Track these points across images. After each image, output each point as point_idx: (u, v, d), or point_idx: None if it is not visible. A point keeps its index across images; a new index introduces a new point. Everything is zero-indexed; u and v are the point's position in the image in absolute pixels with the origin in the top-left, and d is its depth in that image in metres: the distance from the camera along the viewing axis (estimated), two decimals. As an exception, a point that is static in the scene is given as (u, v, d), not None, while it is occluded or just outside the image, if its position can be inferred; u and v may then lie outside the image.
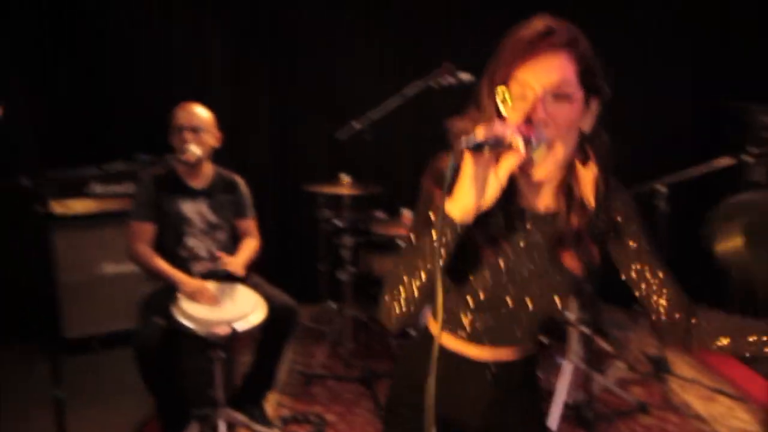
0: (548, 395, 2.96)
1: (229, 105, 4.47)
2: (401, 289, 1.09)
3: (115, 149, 4.12)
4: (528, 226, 1.18)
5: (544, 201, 1.18)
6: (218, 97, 4.43)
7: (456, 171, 0.95)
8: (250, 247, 2.80)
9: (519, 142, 0.96)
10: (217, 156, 4.18)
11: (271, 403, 3.00)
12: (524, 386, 1.30)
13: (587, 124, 1.11)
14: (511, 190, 1.13)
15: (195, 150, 2.57)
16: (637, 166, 4.29)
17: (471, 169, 0.97)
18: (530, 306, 1.19)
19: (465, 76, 3.39)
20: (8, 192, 2.46)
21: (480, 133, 0.94)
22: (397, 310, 1.11)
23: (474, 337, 1.23)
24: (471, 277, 1.17)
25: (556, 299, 1.19)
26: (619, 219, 1.17)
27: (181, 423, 2.56)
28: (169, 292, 2.52)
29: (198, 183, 2.71)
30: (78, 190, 3.81)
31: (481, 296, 1.18)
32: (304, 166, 4.45)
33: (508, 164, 0.99)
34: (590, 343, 3.63)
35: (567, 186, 1.14)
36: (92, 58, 4.27)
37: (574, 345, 3.04)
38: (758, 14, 4.12)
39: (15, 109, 4.03)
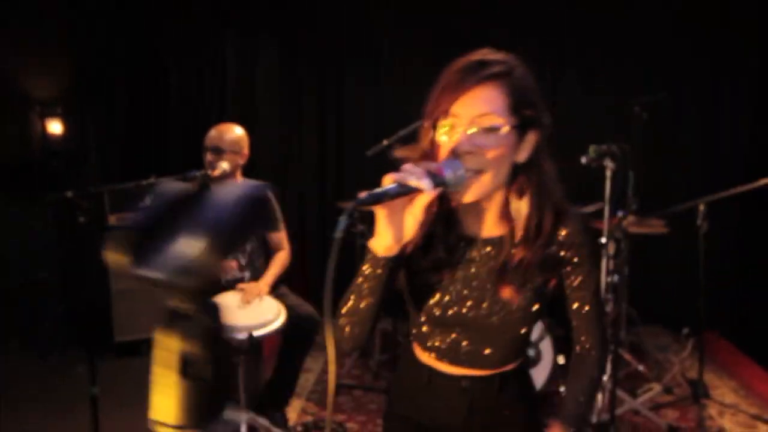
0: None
1: (278, 124, 4.69)
2: (349, 312, 1.14)
3: (170, 167, 4.40)
4: (473, 253, 1.20)
5: (489, 229, 1.20)
6: (267, 118, 4.68)
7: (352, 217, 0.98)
8: (278, 262, 2.91)
9: (424, 184, 0.98)
10: (263, 172, 4.44)
11: (296, 409, 3.11)
12: (506, 400, 1.28)
13: (522, 156, 1.11)
14: (453, 220, 1.19)
15: (223, 165, 2.72)
16: (688, 184, 4.23)
17: (381, 213, 1.02)
18: (489, 327, 1.20)
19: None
20: (69, 204, 2.67)
21: (386, 182, 0.99)
22: (347, 332, 1.15)
23: (440, 355, 1.25)
24: (426, 300, 1.21)
25: (520, 329, 1.20)
26: (562, 253, 1.18)
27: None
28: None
29: (228, 197, 2.86)
30: (134, 204, 4.07)
31: (437, 317, 1.21)
32: (344, 183, 4.60)
33: (420, 204, 1.01)
34: (623, 364, 3.54)
35: (506, 215, 1.16)
36: (152, 80, 4.59)
37: (601, 364, 2.97)
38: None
39: (78, 125, 4.43)
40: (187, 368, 0.61)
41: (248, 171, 3.51)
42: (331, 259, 0.91)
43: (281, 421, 2.86)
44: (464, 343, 1.23)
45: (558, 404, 1.35)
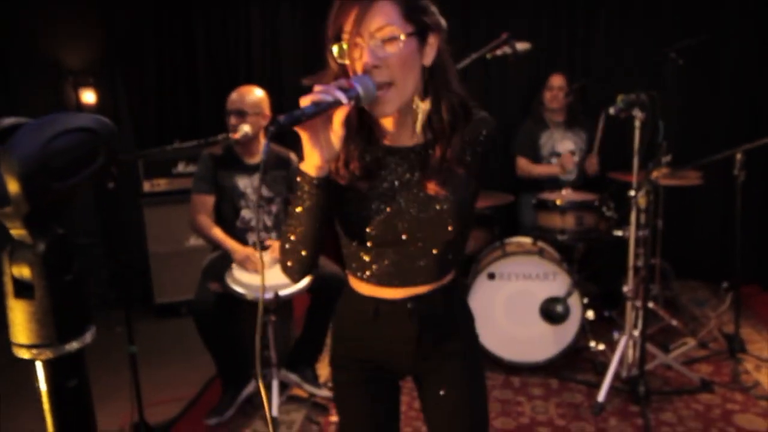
0: (605, 368, 2.91)
1: (302, 89, 4.68)
2: (289, 243, 1.21)
3: (201, 130, 4.45)
4: (397, 162, 1.24)
5: (409, 137, 1.24)
6: (290, 80, 4.67)
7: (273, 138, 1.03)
8: None
9: (339, 98, 1.05)
10: (290, 133, 4.45)
11: (326, 365, 3.18)
12: (448, 313, 1.34)
13: (428, 60, 1.17)
14: (373, 133, 1.24)
15: (245, 128, 2.74)
16: (726, 133, 4.06)
17: (303, 134, 1.08)
18: (423, 236, 1.23)
19: (522, 46, 3.30)
20: (105, 171, 2.74)
21: (303, 103, 1.04)
22: (290, 263, 1.23)
23: (382, 279, 1.28)
24: (360, 221, 1.24)
25: (448, 226, 1.22)
26: (479, 149, 1.23)
27: (241, 382, 2.80)
28: (225, 260, 2.74)
29: (252, 159, 2.90)
30: (166, 170, 4.16)
31: (374, 237, 1.24)
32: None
33: (338, 119, 1.08)
34: (656, 319, 3.49)
35: (426, 118, 1.21)
36: (180, 45, 4.62)
37: (630, 319, 2.94)
38: None
39: (111, 94, 4.52)
40: (20, 292, 0.67)
41: (278, 135, 3.54)
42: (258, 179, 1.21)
43: (312, 377, 2.94)
44: (402, 259, 1.26)
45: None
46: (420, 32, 1.14)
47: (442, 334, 1.33)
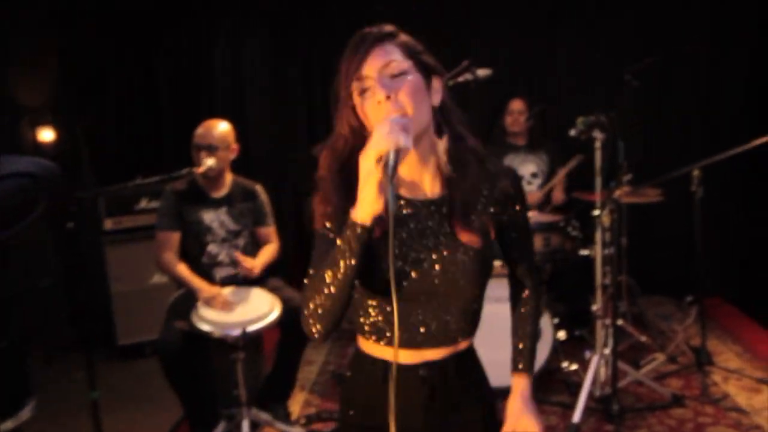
0: (578, 388, 2.92)
1: (268, 121, 4.67)
2: (321, 308, 1.12)
3: (164, 166, 4.38)
4: (414, 214, 1.20)
5: (429, 188, 1.22)
6: (257, 114, 4.66)
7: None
8: (269, 251, 2.91)
9: (408, 143, 1.04)
10: (258, 168, 4.42)
11: (299, 402, 3.12)
12: (462, 383, 1.27)
13: (436, 99, 1.19)
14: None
15: (209, 162, 2.70)
16: (683, 150, 4.18)
17: (376, 177, 1.03)
18: (442, 296, 1.19)
19: (483, 72, 3.35)
20: (66, 209, 2.65)
21: (390, 147, 1.02)
22: (320, 327, 1.14)
23: (393, 341, 1.15)
24: (372, 280, 1.17)
25: (467, 284, 1.19)
26: (503, 201, 1.24)
27: (210, 423, 2.71)
28: (190, 297, 2.67)
29: (218, 193, 2.86)
30: (128, 207, 4.07)
31: (385, 295, 1.17)
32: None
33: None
34: (625, 336, 3.53)
35: (438, 168, 1.22)
36: (141, 79, 4.57)
37: (601, 337, 2.96)
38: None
39: (72, 131, 4.42)
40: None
41: (243, 166, 3.51)
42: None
43: (284, 414, 2.86)
44: (420, 319, 1.20)
45: (515, 356, 1.43)
46: (424, 70, 1.17)
47: (454, 404, 1.27)
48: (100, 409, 2.49)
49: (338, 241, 1.09)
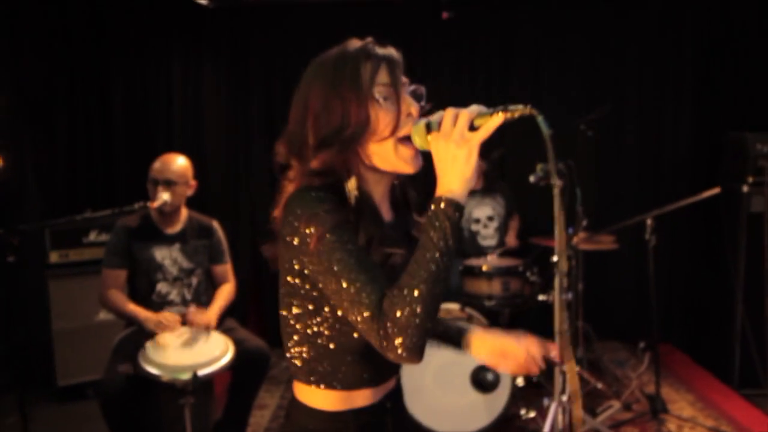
0: (536, 437, 2.88)
1: (226, 156, 4.60)
2: (419, 317, 0.93)
3: (116, 200, 4.24)
4: (395, 238, 1.14)
5: (386, 211, 1.18)
6: (215, 146, 4.58)
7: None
8: (224, 294, 2.82)
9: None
10: (214, 204, 4.32)
11: (249, 449, 2.98)
12: (403, 406, 1.29)
13: None
14: (369, 207, 1.10)
15: (164, 196, 2.62)
16: (638, 200, 4.30)
17: (479, 140, 1.00)
18: None
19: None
20: (7, 240, 2.51)
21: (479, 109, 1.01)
22: (416, 340, 0.94)
23: (368, 379, 1.12)
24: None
25: None
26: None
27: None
28: (137, 338, 2.54)
29: (172, 228, 2.77)
30: (75, 240, 3.90)
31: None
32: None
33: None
34: (582, 382, 3.53)
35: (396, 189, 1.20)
36: (94, 107, 4.44)
37: (559, 384, 2.95)
38: (759, 45, 4.13)
39: (17, 160, 4.24)
40: None
41: (199, 202, 3.41)
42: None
43: (233, 462, 2.73)
44: None
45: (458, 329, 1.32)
46: None
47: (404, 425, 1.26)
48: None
49: (428, 230, 0.96)
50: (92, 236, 3.91)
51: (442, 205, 0.97)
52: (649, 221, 3.21)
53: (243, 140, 4.60)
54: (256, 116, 4.57)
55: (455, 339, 1.30)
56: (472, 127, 0.99)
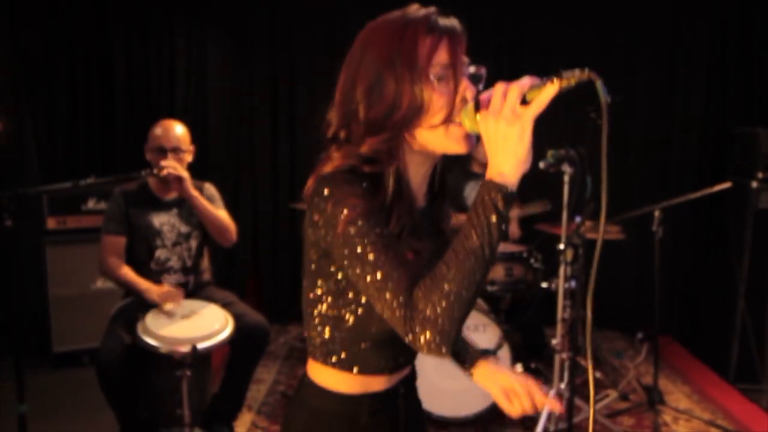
0: (532, 422, 2.88)
1: (228, 122, 4.53)
2: (448, 305, 0.88)
3: (116, 168, 4.18)
4: (426, 226, 1.10)
5: (422, 196, 1.12)
6: (217, 115, 4.51)
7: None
8: (218, 211, 2.71)
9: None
10: (216, 174, 4.26)
11: (245, 423, 2.97)
12: (415, 388, 1.26)
13: None
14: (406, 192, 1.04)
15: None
16: (645, 191, 4.26)
17: (533, 115, 0.92)
18: None
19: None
20: (4, 204, 2.46)
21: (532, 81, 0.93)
22: (450, 330, 0.89)
23: (386, 366, 1.09)
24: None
25: None
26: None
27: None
28: (136, 308, 2.51)
29: (169, 195, 2.72)
30: (74, 207, 3.85)
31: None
32: (297, 184, 4.46)
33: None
34: (580, 371, 3.52)
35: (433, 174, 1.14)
36: (96, 73, 4.36)
37: (558, 372, 2.93)
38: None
39: (17, 125, 4.17)
40: None
41: (199, 170, 3.35)
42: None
43: (228, 436, 2.71)
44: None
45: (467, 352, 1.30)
46: None
47: (421, 417, 1.25)
48: (28, 421, 2.30)
49: (472, 219, 0.90)
50: (90, 204, 3.86)
51: (492, 194, 0.89)
52: (657, 213, 3.18)
53: (246, 113, 4.53)
54: (259, 90, 4.49)
55: (461, 357, 1.28)
56: (524, 102, 0.91)
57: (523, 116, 0.90)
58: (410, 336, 0.89)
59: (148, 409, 2.57)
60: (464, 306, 0.88)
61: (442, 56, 0.97)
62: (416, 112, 0.97)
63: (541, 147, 2.85)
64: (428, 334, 0.87)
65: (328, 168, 0.99)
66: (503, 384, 1.19)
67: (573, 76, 0.89)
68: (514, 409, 1.18)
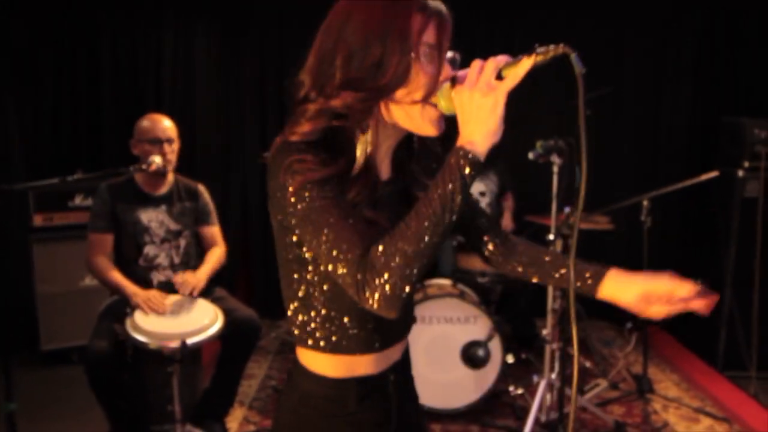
0: (524, 412, 2.90)
1: (215, 119, 4.50)
2: (407, 258, 0.89)
3: (103, 164, 4.13)
4: (388, 197, 1.09)
5: (385, 167, 1.11)
6: (206, 110, 4.47)
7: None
8: (214, 257, 2.76)
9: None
10: (204, 169, 4.23)
11: (237, 419, 2.96)
12: (409, 375, 1.25)
13: None
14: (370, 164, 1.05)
15: (155, 159, 2.54)
16: (634, 182, 4.28)
17: (507, 88, 0.94)
18: None
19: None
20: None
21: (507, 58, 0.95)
22: (407, 288, 0.90)
23: (368, 344, 1.08)
24: None
25: None
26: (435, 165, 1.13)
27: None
28: (125, 304, 2.49)
29: (158, 191, 2.70)
30: (60, 203, 3.80)
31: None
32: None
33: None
34: (570, 360, 3.54)
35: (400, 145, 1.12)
36: (83, 66, 4.31)
37: (549, 363, 2.95)
38: (759, 32, 4.10)
39: (1, 119, 4.12)
40: None
41: (188, 164, 3.32)
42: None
43: (220, 432, 2.71)
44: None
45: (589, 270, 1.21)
46: None
47: (415, 409, 1.23)
48: (17, 420, 2.28)
49: (437, 182, 0.92)
50: (78, 200, 3.82)
51: (460, 160, 0.91)
52: (645, 203, 3.20)
53: (234, 105, 4.50)
54: (248, 82, 4.46)
55: (584, 281, 1.19)
56: (500, 77, 0.94)
57: (498, 89, 0.92)
58: (361, 294, 0.90)
59: (138, 406, 2.55)
60: (417, 265, 0.89)
61: (429, 36, 0.98)
62: (399, 81, 0.97)
63: (531, 138, 2.87)
64: (378, 292, 0.89)
65: (295, 130, 0.99)
66: (645, 290, 1.12)
67: (548, 51, 0.93)
68: (658, 311, 1.11)
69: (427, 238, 0.89)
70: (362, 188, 0.99)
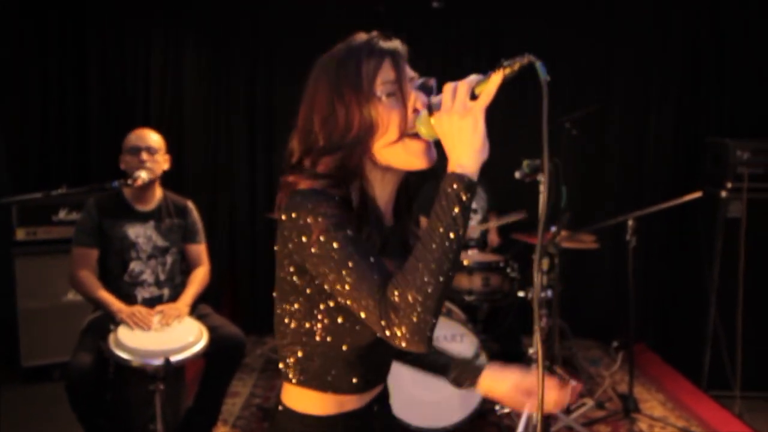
0: (510, 433, 2.89)
1: (204, 136, 4.49)
2: (434, 296, 0.90)
3: (89, 179, 4.10)
4: (393, 242, 1.11)
5: (389, 214, 1.13)
6: (193, 124, 4.47)
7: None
8: (197, 279, 2.74)
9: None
10: (193, 185, 4.21)
11: (220, 438, 2.92)
12: (390, 407, 1.27)
13: None
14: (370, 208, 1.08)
15: (141, 174, 2.53)
16: (619, 201, 4.32)
17: (483, 108, 0.96)
18: None
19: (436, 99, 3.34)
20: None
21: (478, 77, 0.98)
22: (433, 320, 0.91)
23: (366, 382, 1.10)
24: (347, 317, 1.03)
25: None
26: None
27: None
28: (108, 320, 2.46)
29: (146, 206, 2.68)
30: (44, 217, 3.77)
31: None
32: (274, 194, 4.43)
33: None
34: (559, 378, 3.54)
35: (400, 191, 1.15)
36: (70, 83, 4.29)
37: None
38: (743, 54, 4.17)
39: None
40: None
41: (177, 182, 3.30)
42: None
43: (203, 451, 2.66)
44: (384, 349, 1.10)
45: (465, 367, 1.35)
46: None
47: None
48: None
49: (437, 212, 0.93)
50: (62, 214, 3.78)
51: (454, 185, 0.93)
52: (630, 222, 3.22)
53: (223, 123, 4.50)
54: (237, 99, 4.47)
55: (441, 370, 1.33)
56: (474, 97, 0.97)
57: (474, 108, 0.95)
58: (388, 332, 0.91)
59: (119, 425, 2.51)
60: (437, 297, 0.90)
61: (387, 74, 1.02)
62: (368, 130, 1.01)
63: (517, 157, 2.90)
64: (404, 329, 0.90)
65: (294, 189, 1.02)
66: (519, 385, 1.25)
67: (515, 63, 0.97)
68: (533, 406, 1.20)
69: (439, 269, 0.91)
70: (370, 237, 1.02)
